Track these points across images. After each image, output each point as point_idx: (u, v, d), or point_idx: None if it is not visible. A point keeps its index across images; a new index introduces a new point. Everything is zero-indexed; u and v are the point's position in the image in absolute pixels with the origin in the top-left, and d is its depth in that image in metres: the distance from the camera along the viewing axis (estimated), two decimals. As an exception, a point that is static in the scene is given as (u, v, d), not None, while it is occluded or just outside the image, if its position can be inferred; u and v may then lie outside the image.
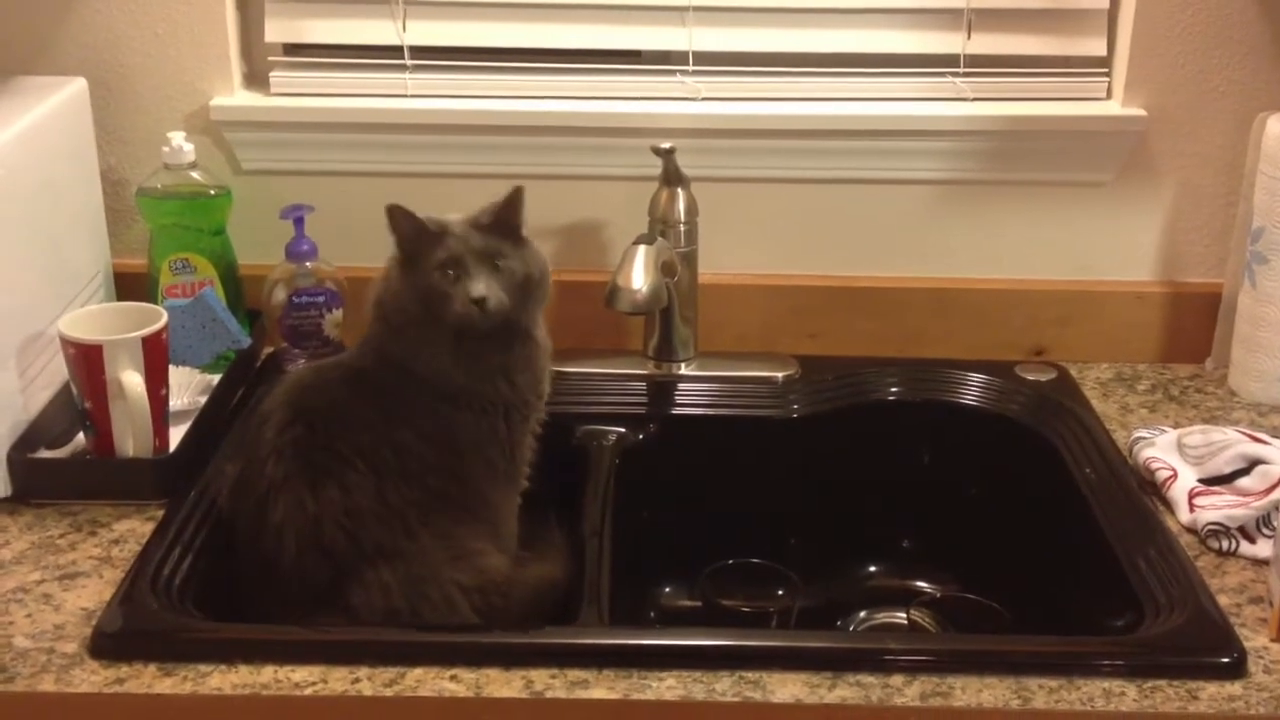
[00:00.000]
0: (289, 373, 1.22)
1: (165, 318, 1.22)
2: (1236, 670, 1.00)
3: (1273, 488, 1.17)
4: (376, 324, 1.19)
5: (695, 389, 1.46)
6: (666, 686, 0.98)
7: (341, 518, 1.08)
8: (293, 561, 1.08)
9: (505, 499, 1.19)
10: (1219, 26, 1.43)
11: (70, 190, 1.38)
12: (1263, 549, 1.14)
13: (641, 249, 1.32)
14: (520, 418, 1.19)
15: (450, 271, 1.13)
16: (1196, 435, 1.27)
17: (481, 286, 1.13)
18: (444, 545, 1.10)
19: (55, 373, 1.28)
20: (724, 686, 0.98)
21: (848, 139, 1.47)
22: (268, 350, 1.48)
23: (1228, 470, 1.23)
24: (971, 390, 1.45)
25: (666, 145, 1.39)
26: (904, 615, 1.32)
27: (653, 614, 1.45)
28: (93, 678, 0.99)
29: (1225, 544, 1.16)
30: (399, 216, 1.15)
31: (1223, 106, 1.46)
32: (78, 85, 1.41)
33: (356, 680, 0.98)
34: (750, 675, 0.99)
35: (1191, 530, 1.19)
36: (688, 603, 1.43)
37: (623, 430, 1.39)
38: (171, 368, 1.27)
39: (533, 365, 1.20)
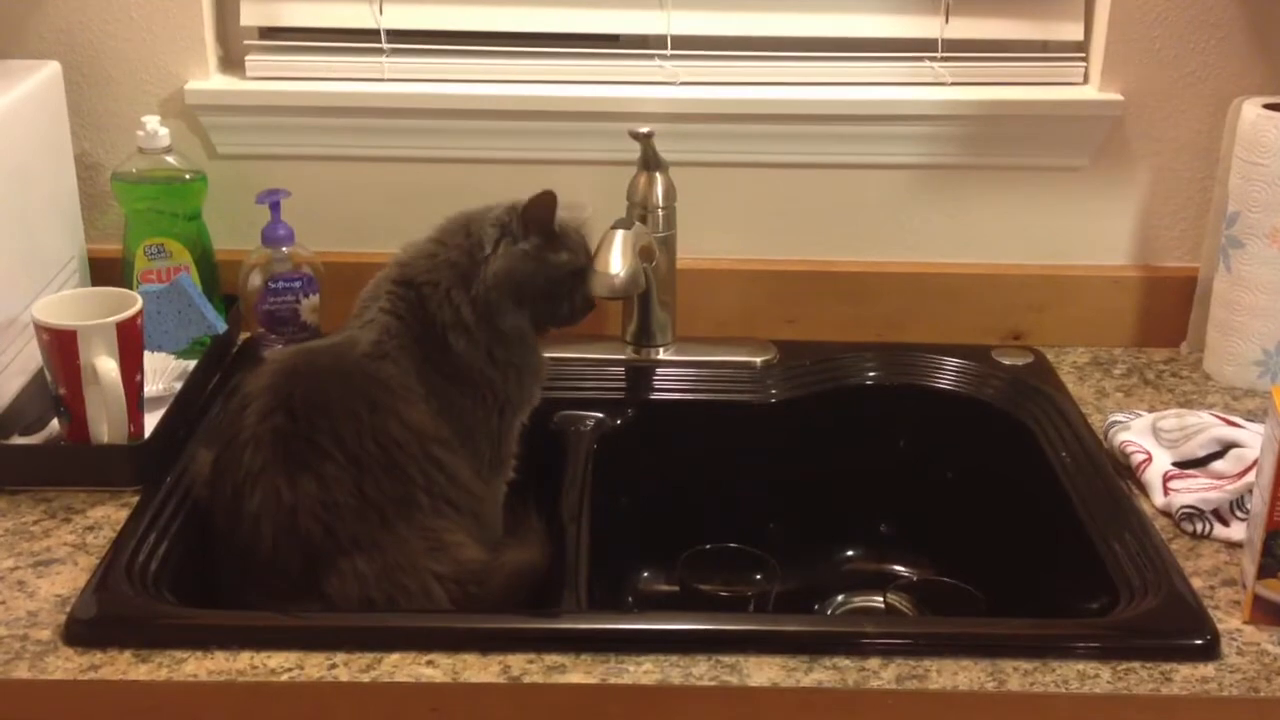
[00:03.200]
0: (276, 354, 1.20)
1: (140, 303, 1.21)
2: (1209, 652, 1.01)
3: (1246, 471, 1.18)
4: (402, 297, 1.18)
5: (673, 374, 1.45)
6: (643, 671, 0.98)
7: (318, 509, 1.07)
8: (268, 551, 1.07)
9: (490, 488, 1.19)
10: (1195, 11, 1.44)
11: (44, 175, 1.37)
12: (1236, 532, 1.15)
13: (619, 234, 1.32)
14: (512, 414, 1.21)
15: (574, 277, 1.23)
16: (1171, 419, 1.27)
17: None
18: (421, 537, 1.10)
19: (29, 359, 1.27)
20: (701, 670, 0.98)
21: (826, 124, 1.47)
22: (244, 336, 1.47)
23: (1202, 454, 1.23)
24: (948, 374, 1.45)
25: (644, 129, 1.38)
26: (880, 599, 1.33)
27: (631, 599, 1.45)
28: (67, 665, 0.98)
29: (1199, 527, 1.17)
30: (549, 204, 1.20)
31: (1199, 91, 1.46)
32: (51, 69, 1.40)
33: (333, 666, 0.98)
34: (727, 659, 0.99)
35: (1166, 513, 1.19)
36: (665, 587, 1.44)
37: (601, 415, 1.39)
38: (147, 353, 1.27)
39: (539, 372, 1.25)
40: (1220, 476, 1.20)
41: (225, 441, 1.12)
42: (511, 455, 1.22)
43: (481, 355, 1.18)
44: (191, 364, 1.36)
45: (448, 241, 1.20)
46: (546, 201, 1.18)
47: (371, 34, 1.48)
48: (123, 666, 0.98)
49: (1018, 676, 0.98)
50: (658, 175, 1.41)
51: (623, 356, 1.47)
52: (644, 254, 1.37)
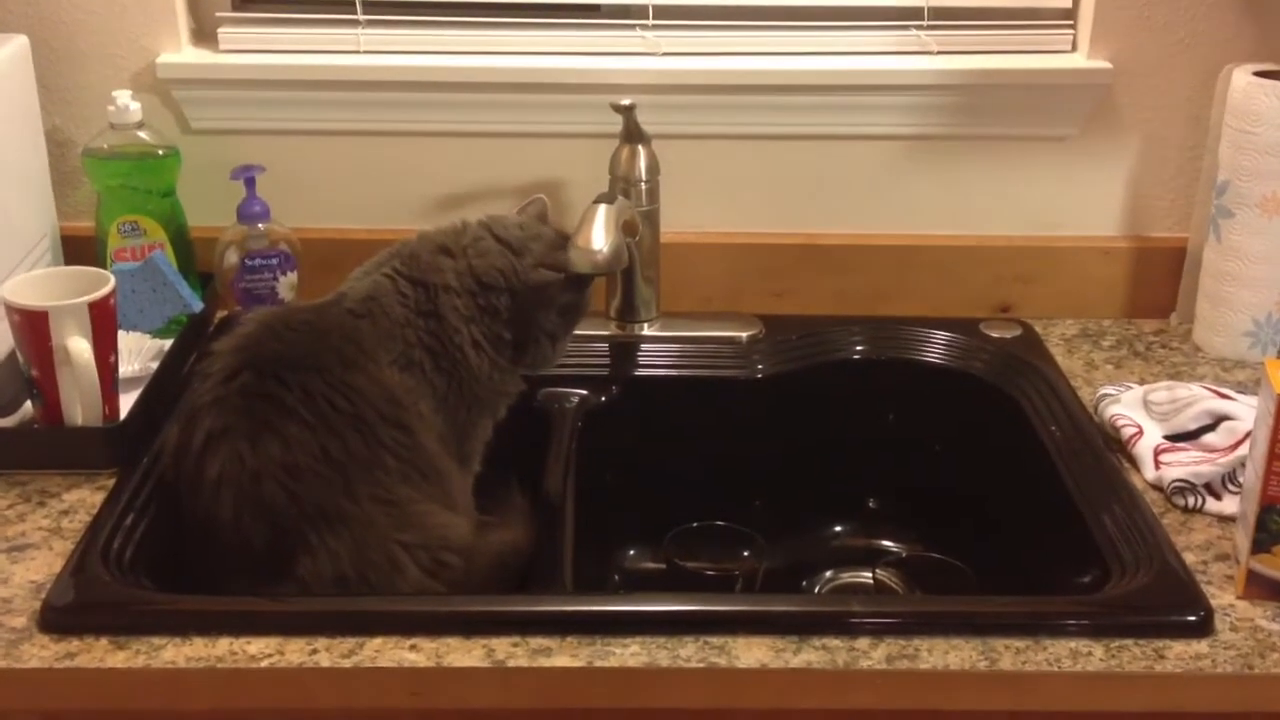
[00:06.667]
0: (254, 313, 1.17)
1: (113, 282, 1.19)
2: (1203, 628, 1.00)
3: (1238, 444, 1.17)
4: (409, 264, 1.18)
5: (658, 350, 1.44)
6: (630, 653, 0.97)
7: (281, 475, 1.03)
8: (231, 522, 1.03)
9: (457, 471, 1.17)
10: (1185, -23, 1.42)
11: (13, 152, 1.35)
12: (1228, 505, 1.14)
13: (602, 208, 1.29)
14: (478, 414, 1.19)
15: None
16: (1162, 391, 1.26)
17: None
18: (388, 508, 1.06)
19: (0, 340, 1.25)
20: (688, 652, 0.97)
21: (811, 94, 1.45)
22: (221, 314, 1.45)
23: (1193, 426, 1.22)
24: (936, 348, 1.44)
25: (627, 101, 1.36)
26: (869, 574, 1.32)
27: (617, 577, 1.44)
28: (42, 652, 0.96)
29: (1191, 501, 1.15)
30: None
31: (1188, 58, 1.45)
32: (19, 43, 1.37)
33: (314, 651, 0.96)
34: (715, 640, 0.98)
35: (1157, 487, 1.18)
36: (652, 565, 1.42)
37: (585, 392, 1.37)
38: (122, 334, 1.24)
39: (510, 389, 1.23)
40: (1212, 449, 1.19)
41: (190, 404, 1.09)
42: (476, 453, 1.20)
43: (466, 338, 1.16)
44: (167, 343, 1.34)
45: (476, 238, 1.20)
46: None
47: (347, 5, 1.45)
48: (99, 654, 0.96)
49: (1009, 655, 0.97)
50: (640, 148, 1.39)
51: (607, 332, 1.45)
52: (627, 228, 1.35)
